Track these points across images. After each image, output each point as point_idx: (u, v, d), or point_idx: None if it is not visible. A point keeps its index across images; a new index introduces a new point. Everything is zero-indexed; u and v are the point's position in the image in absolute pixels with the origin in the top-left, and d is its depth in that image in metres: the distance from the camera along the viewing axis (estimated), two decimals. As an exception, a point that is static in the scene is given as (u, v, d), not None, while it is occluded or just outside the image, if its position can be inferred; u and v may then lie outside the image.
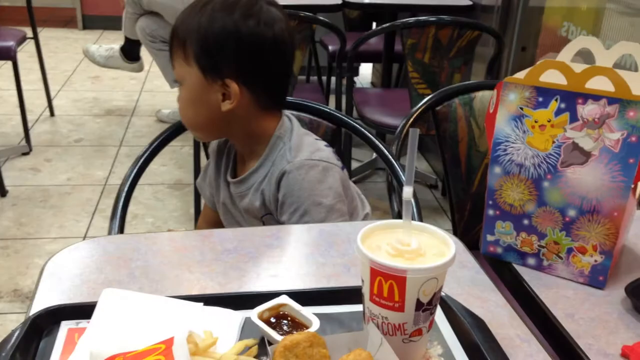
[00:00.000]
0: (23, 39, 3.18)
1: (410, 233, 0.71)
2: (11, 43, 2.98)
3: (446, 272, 0.69)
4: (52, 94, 3.84)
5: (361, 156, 3.25)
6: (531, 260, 0.92)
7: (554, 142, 0.86)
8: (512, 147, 0.88)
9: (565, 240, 0.88)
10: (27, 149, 3.22)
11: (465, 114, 1.50)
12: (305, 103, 1.40)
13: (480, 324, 0.75)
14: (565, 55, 0.94)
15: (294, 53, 1.19)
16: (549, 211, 0.88)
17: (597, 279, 0.88)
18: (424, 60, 2.45)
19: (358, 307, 0.74)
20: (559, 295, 0.87)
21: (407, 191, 0.69)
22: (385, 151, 1.33)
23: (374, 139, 1.36)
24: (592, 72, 0.81)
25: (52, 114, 3.74)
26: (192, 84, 1.12)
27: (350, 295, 0.79)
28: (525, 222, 0.91)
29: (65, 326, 0.73)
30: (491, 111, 0.92)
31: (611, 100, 0.81)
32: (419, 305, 0.68)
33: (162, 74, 3.42)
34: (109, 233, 1.17)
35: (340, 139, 1.44)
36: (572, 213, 0.87)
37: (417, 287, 0.66)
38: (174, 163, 3.18)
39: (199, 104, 1.13)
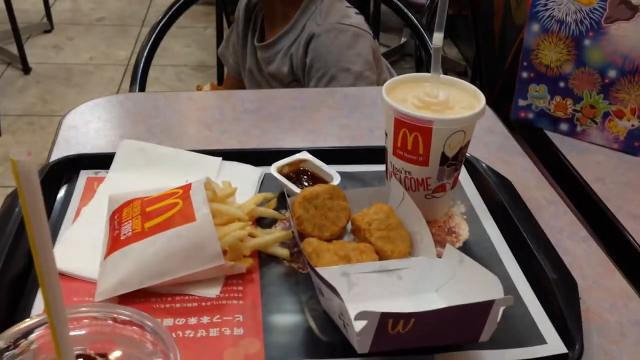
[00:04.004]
0: None
1: (438, 86, 0.67)
2: None
3: (474, 126, 0.66)
4: (73, -30, 3.73)
5: (389, 41, 3.13)
6: (564, 126, 0.88)
7: (599, -5, 0.79)
8: (553, 1, 0.82)
9: (602, 104, 0.84)
10: (48, 27, 3.17)
11: (502, -16, 1.41)
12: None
13: (506, 182, 0.73)
14: None
15: None
16: (588, 72, 0.83)
17: (632, 144, 0.84)
18: None
19: (381, 167, 0.72)
20: (591, 160, 0.84)
21: (437, 37, 0.64)
22: (414, 19, 1.27)
23: (402, 6, 1.29)
24: None
25: (72, -9, 3.65)
26: None
27: (373, 154, 0.76)
28: (561, 84, 0.86)
29: (85, 174, 0.73)
30: (533, -37, 0.84)
31: (668, -53, 0.73)
32: (443, 159, 0.65)
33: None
34: (129, 96, 1.15)
35: (368, 9, 1.37)
36: (612, 74, 0.81)
37: (442, 140, 0.64)
38: (197, 45, 3.11)
39: None
